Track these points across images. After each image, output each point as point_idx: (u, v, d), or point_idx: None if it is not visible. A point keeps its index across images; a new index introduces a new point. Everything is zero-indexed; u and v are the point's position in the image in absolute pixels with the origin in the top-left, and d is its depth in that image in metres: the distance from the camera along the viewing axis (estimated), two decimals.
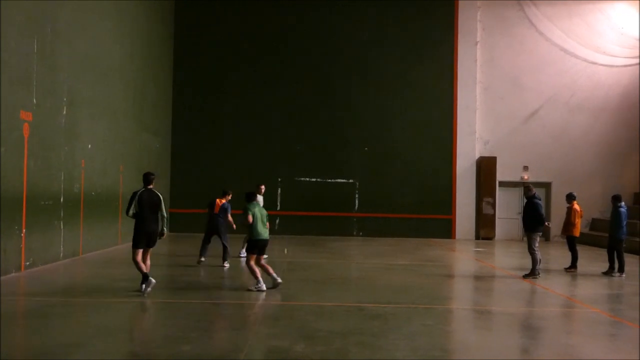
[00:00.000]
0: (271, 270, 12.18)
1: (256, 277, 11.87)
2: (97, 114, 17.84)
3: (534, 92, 27.35)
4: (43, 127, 14.24)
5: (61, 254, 15.31)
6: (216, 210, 16.09)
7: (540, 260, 14.87)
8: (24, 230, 13.27)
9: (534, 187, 15.70)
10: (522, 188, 26.80)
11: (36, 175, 13.86)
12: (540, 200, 15.12)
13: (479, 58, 27.28)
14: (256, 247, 12.06)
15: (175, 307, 10.31)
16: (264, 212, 12.46)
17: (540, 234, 14.88)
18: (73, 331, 8.43)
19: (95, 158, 17.60)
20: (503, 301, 11.99)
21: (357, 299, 11.23)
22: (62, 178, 15.32)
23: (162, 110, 25.30)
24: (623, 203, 16.04)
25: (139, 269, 11.18)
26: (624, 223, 15.74)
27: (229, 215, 16.02)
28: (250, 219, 12.02)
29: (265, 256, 12.88)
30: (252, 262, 12.02)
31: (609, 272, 15.68)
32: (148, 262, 11.48)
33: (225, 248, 15.73)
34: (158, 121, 24.58)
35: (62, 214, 15.29)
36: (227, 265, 15.42)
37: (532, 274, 14.64)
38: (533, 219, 14.76)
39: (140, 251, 11.26)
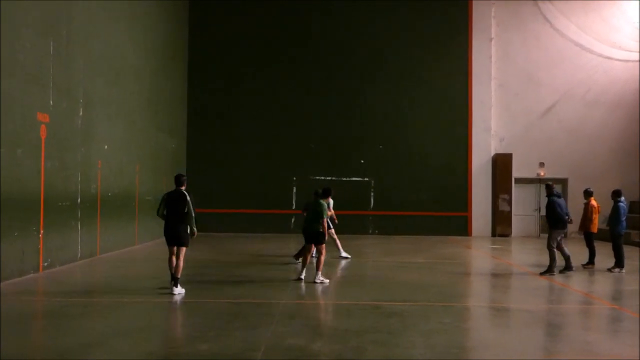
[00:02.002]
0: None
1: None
2: (113, 115, 17.91)
3: (550, 88, 27.19)
4: (60, 129, 14.31)
5: (79, 255, 15.39)
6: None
7: (569, 256, 14.82)
8: (41, 231, 13.35)
9: (554, 184, 15.60)
10: (538, 185, 26.79)
11: (53, 176, 13.94)
12: (558, 197, 14.99)
13: (493, 54, 27.17)
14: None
15: (194, 306, 10.33)
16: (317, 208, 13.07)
17: (562, 231, 14.79)
18: (91, 331, 8.46)
19: (112, 159, 17.68)
20: (520, 298, 11.93)
21: (373, 297, 11.21)
22: (79, 179, 15.40)
23: (177, 110, 25.37)
24: (623, 198, 15.99)
25: (170, 267, 11.57)
26: (623, 218, 15.68)
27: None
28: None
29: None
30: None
31: (612, 268, 15.57)
32: (181, 262, 11.48)
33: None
34: (173, 121, 24.65)
35: (79, 215, 15.36)
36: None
37: (549, 271, 14.57)
38: (550, 218, 14.76)
39: (172, 249, 11.56)
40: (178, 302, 10.61)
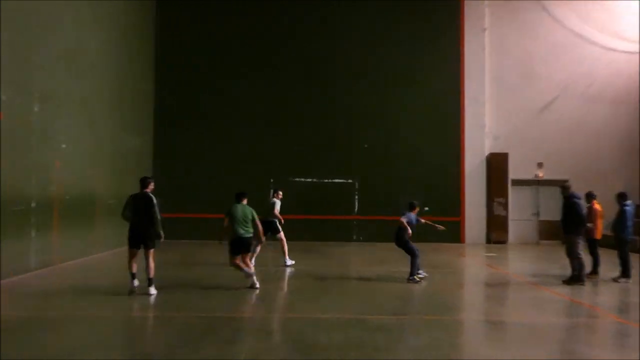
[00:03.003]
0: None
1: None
2: (72, 112, 17.73)
3: (548, 82, 27.29)
4: (13, 126, 14.12)
5: (33, 264, 15.19)
6: None
7: (583, 266, 14.81)
8: None
9: (570, 185, 15.53)
10: (536, 187, 26.88)
11: (6, 178, 13.74)
12: (579, 199, 14.99)
13: (487, 46, 27.22)
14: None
15: (162, 320, 10.21)
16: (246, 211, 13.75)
17: (581, 236, 14.83)
18: (48, 348, 8.31)
19: (71, 159, 17.49)
20: (518, 311, 11.92)
21: (358, 310, 11.15)
22: (34, 181, 15.21)
23: (143, 107, 25.18)
24: (629, 201, 16.00)
25: (130, 268, 12.48)
26: (630, 223, 15.71)
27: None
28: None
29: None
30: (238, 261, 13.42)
31: (618, 278, 15.59)
32: (152, 263, 12.49)
33: None
34: (139, 119, 24.47)
35: (34, 221, 15.16)
36: None
37: (579, 280, 14.57)
38: (573, 221, 14.73)
39: (134, 251, 12.46)
40: (146, 316, 10.48)
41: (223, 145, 26.45)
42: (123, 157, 22.27)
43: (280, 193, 18.31)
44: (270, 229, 17.51)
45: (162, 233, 12.50)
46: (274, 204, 17.68)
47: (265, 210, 17.89)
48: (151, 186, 12.80)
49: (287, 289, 13.88)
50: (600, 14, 27.40)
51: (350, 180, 26.72)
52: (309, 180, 26.45)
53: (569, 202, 14.90)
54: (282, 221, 17.86)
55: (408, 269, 15.13)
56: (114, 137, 21.43)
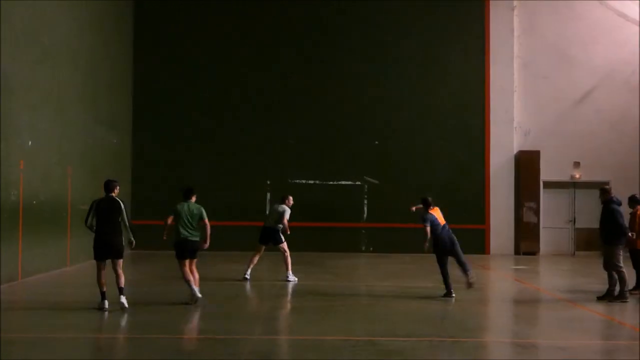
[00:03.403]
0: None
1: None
2: (39, 103, 17.77)
3: (586, 69, 27.28)
4: None
5: None
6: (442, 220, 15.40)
7: (624, 281, 14.73)
8: None
9: (610, 189, 15.54)
10: (572, 190, 26.89)
11: None
12: (619, 204, 14.99)
13: (516, 27, 27.24)
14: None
15: (142, 342, 10.25)
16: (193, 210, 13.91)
17: (622, 247, 14.86)
18: None
19: (37, 158, 17.53)
20: (551, 332, 11.93)
21: (368, 331, 11.17)
22: None
23: (121, 98, 25.23)
24: None
25: (99, 286, 12.58)
26: None
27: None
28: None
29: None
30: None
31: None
32: (122, 273, 12.69)
33: None
34: (116, 112, 24.52)
35: None
36: None
37: (620, 296, 14.56)
38: (612, 230, 14.72)
39: (102, 264, 12.65)
40: (123, 337, 10.52)
41: (212, 143, 26.49)
42: (98, 156, 22.31)
43: (291, 199, 18.28)
44: (272, 238, 17.66)
45: (133, 240, 12.85)
46: (283, 211, 17.55)
47: (268, 217, 18.21)
48: (117, 190, 12.96)
49: (287, 307, 13.91)
50: None
51: (358, 183, 26.76)
52: (311, 182, 26.50)
53: (607, 207, 14.90)
54: (289, 232, 17.84)
55: (425, 284, 15.13)
56: (88, 133, 21.47)
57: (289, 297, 15.08)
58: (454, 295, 14.83)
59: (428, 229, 14.77)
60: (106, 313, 12.25)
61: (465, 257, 15.15)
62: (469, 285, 15.06)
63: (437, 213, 15.23)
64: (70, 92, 20.04)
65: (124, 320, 12.15)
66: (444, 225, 15.10)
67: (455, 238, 15.09)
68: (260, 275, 18.02)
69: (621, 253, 14.72)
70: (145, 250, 24.29)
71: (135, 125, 26.42)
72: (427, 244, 15.05)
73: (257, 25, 26.90)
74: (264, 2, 26.98)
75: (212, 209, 25.60)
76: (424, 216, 15.06)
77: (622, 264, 14.64)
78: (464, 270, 15.02)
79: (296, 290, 16.26)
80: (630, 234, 14.98)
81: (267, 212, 19.53)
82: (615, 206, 14.83)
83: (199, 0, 26.80)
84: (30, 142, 17.07)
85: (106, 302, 12.52)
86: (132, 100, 26.40)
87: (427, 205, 15.31)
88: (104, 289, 12.57)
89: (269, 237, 17.43)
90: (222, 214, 25.75)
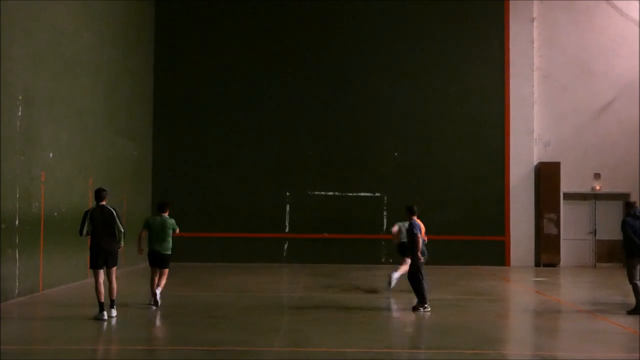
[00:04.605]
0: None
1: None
2: (60, 116, 17.84)
3: (607, 80, 27.16)
4: None
5: (16, 291, 15.27)
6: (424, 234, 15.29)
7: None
8: None
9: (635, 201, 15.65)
10: (593, 201, 26.76)
11: None
12: (633, 217, 14.87)
13: (536, 39, 27.17)
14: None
15: (164, 354, 10.24)
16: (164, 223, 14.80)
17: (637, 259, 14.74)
18: None
19: (58, 169, 17.60)
20: (573, 345, 11.85)
21: (387, 344, 11.13)
22: (17, 195, 15.30)
23: (141, 109, 25.33)
24: None
25: (98, 296, 12.82)
26: None
27: None
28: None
29: None
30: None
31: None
32: (114, 284, 13.15)
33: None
34: (136, 123, 24.61)
35: (17, 241, 15.25)
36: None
37: (636, 310, 14.47)
38: (623, 243, 14.83)
39: (100, 272, 12.97)
40: (145, 349, 10.52)
41: (232, 155, 26.54)
42: (119, 167, 22.38)
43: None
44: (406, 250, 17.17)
45: (122, 243, 13.24)
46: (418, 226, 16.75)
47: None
48: (106, 198, 13.32)
49: (306, 319, 13.87)
50: None
51: (378, 194, 26.71)
52: (330, 194, 26.47)
53: (623, 220, 14.94)
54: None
55: (448, 297, 15.05)
56: (109, 145, 21.55)
57: (309, 309, 15.04)
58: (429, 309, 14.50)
59: (420, 237, 14.61)
60: (112, 322, 12.29)
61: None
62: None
63: (422, 225, 15.08)
64: (91, 105, 20.12)
65: (144, 332, 12.16)
66: (424, 241, 15.04)
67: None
68: (277, 287, 17.95)
69: (635, 266, 14.59)
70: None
71: (156, 137, 26.51)
72: (420, 254, 14.71)
73: (277, 39, 26.95)
74: (283, 17, 27.05)
75: (231, 220, 25.95)
76: (413, 223, 14.76)
77: (634, 277, 14.51)
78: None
79: (315, 301, 16.23)
80: None
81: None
82: (628, 219, 14.78)
83: (219, 13, 26.91)
84: (51, 154, 17.14)
85: (105, 313, 12.77)
86: (152, 113, 26.50)
87: (412, 214, 15.00)
88: (102, 299, 12.81)
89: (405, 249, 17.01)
90: (242, 226, 25.89)
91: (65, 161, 18.14)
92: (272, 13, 27.05)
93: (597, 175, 26.97)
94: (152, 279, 14.73)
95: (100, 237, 12.93)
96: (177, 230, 14.90)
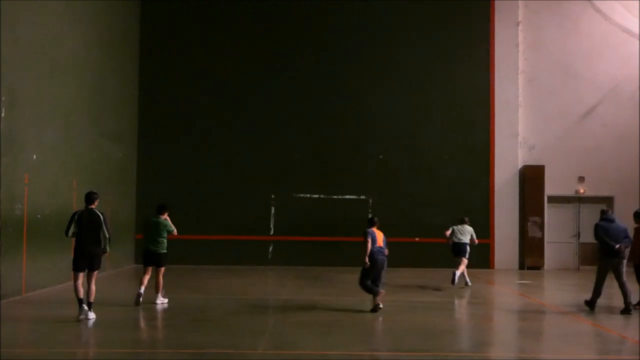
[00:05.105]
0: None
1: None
2: (45, 117, 17.77)
3: (591, 84, 27.28)
4: None
5: None
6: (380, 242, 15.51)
7: (597, 293, 15.37)
8: None
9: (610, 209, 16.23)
10: (577, 204, 26.90)
11: None
12: (609, 221, 15.49)
13: (521, 42, 27.26)
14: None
15: (147, 358, 10.22)
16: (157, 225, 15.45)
17: (612, 261, 15.25)
18: None
19: (42, 172, 17.52)
20: (556, 347, 11.87)
21: (372, 346, 11.14)
22: (0, 197, 15.23)
23: (127, 112, 25.26)
24: None
25: (76, 293, 12.98)
26: None
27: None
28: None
29: None
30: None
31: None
32: (93, 287, 13.19)
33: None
34: (121, 125, 24.54)
35: (0, 243, 15.18)
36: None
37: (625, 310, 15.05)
38: (598, 245, 15.49)
39: (81, 275, 13.11)
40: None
41: (217, 157, 26.50)
42: (104, 170, 22.31)
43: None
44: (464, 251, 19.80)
45: (107, 248, 13.33)
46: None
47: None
48: (97, 202, 13.42)
49: (291, 321, 13.85)
50: None
51: (363, 197, 26.72)
52: (316, 196, 26.47)
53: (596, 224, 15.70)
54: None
55: (433, 299, 15.06)
56: (93, 147, 21.48)
57: (293, 311, 15.03)
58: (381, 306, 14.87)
59: (369, 241, 15.14)
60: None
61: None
62: (376, 305, 14.87)
63: (378, 234, 15.49)
64: (76, 107, 20.05)
65: (128, 335, 12.14)
66: (380, 247, 15.34)
67: (385, 264, 15.45)
68: (261, 289, 17.93)
69: (604, 268, 15.36)
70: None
71: (141, 139, 26.42)
72: (367, 258, 15.14)
73: (265, 41, 26.91)
74: (271, 18, 27.02)
75: (217, 223, 25.89)
76: (365, 231, 15.41)
77: (602, 279, 15.34)
78: (377, 287, 15.12)
79: (300, 304, 16.22)
80: (616, 246, 15.12)
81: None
82: (602, 222, 15.49)
83: (205, 15, 26.87)
84: (35, 156, 17.07)
85: (85, 306, 12.92)
86: (138, 115, 26.42)
87: (372, 224, 15.73)
88: (81, 296, 12.96)
89: (460, 250, 19.94)
90: (227, 228, 25.82)
91: (50, 163, 18.06)
92: (259, 14, 27.02)
93: (581, 179, 27.07)
94: (141, 279, 15.15)
95: (85, 240, 13.04)
96: (174, 232, 15.42)
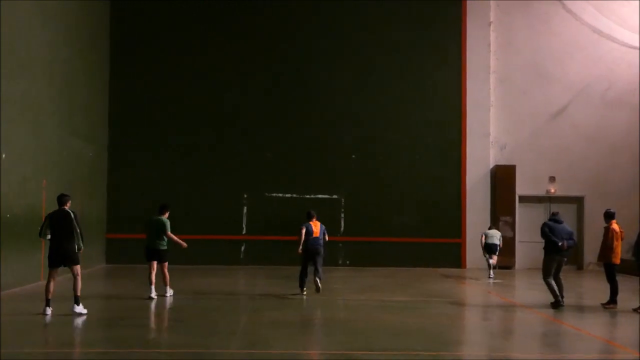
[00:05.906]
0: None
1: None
2: (14, 116, 17.64)
3: (562, 84, 27.48)
4: None
5: None
6: (316, 233, 17.49)
7: (553, 290, 15.98)
8: None
9: (554, 204, 16.59)
10: (548, 204, 27.09)
11: None
12: (555, 222, 16.16)
13: (493, 42, 27.41)
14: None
15: (115, 358, 10.22)
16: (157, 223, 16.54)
17: (556, 258, 16.00)
18: None
19: (12, 171, 17.39)
20: (525, 346, 11.98)
21: (344, 346, 11.17)
22: None
23: (98, 111, 25.13)
24: None
25: (46, 292, 13.56)
26: None
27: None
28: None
29: None
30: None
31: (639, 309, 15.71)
32: (79, 280, 13.75)
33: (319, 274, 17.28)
34: (91, 124, 24.40)
35: None
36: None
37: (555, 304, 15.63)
38: (544, 243, 16.21)
39: (54, 272, 13.70)
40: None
41: (188, 156, 26.41)
42: (74, 169, 22.18)
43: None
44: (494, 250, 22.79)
45: (81, 245, 13.83)
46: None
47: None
48: (69, 203, 14.06)
49: (264, 321, 13.88)
50: (622, 7, 27.61)
51: (335, 196, 26.75)
52: (288, 195, 26.47)
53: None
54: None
55: (404, 298, 15.08)
56: (63, 146, 21.35)
57: (266, 310, 15.05)
58: (305, 293, 17.16)
59: (303, 232, 17.26)
60: (79, 326, 12.44)
61: (322, 269, 17.44)
62: (317, 289, 17.12)
63: (315, 225, 17.52)
64: (45, 105, 19.93)
65: (99, 334, 12.12)
66: (316, 237, 17.34)
67: (322, 251, 17.41)
68: (233, 289, 17.93)
69: (552, 264, 16.10)
70: (122, 264, 24.26)
71: (112, 138, 26.27)
72: (300, 247, 17.33)
73: (235, 42, 26.83)
74: (240, 16, 26.95)
75: (189, 222, 25.81)
76: (301, 225, 17.43)
77: (549, 274, 16.03)
78: (317, 275, 17.15)
79: (271, 303, 16.24)
80: (559, 244, 15.73)
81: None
82: (548, 222, 16.29)
83: (177, 14, 26.78)
84: (4, 155, 16.96)
85: (49, 309, 13.45)
86: (108, 114, 26.27)
87: (309, 218, 17.75)
88: (50, 297, 13.53)
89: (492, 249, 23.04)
90: (199, 228, 25.71)
91: (19, 162, 17.93)
92: (231, 13, 26.93)
93: (552, 179, 27.27)
94: (150, 273, 16.21)
95: (59, 239, 13.59)
96: (168, 232, 16.36)
